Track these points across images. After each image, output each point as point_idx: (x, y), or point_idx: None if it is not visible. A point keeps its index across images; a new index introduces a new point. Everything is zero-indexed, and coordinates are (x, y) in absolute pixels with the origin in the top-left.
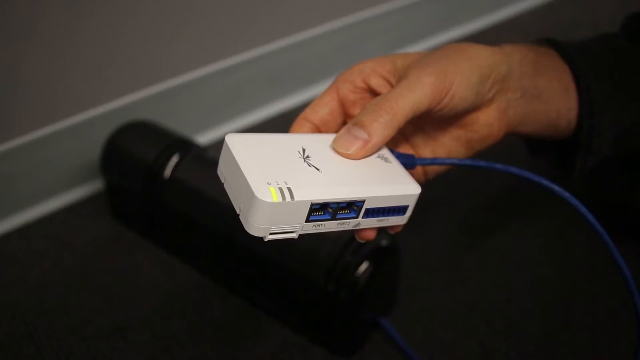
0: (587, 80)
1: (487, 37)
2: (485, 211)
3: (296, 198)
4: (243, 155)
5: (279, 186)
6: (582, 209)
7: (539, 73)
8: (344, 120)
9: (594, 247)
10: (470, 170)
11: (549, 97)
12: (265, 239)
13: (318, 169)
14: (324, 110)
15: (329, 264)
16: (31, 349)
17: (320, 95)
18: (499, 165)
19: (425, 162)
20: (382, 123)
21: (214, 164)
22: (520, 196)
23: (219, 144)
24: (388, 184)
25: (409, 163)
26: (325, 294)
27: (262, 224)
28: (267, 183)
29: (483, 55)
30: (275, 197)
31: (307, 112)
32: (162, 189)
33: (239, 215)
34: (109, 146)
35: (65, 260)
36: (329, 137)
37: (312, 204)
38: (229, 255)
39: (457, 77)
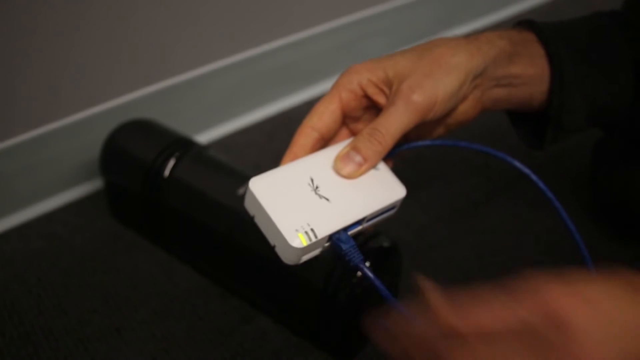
0: (559, 61)
1: None
2: (486, 212)
3: (319, 236)
4: (269, 202)
5: (305, 230)
6: (541, 183)
7: (513, 62)
8: (342, 123)
9: (595, 248)
10: (472, 170)
11: (522, 83)
12: (298, 264)
13: (327, 199)
14: (330, 118)
15: (329, 266)
16: (29, 350)
17: (324, 102)
18: (463, 143)
19: (402, 148)
20: (375, 150)
21: (214, 163)
22: (522, 196)
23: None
24: (381, 196)
25: (391, 152)
26: (324, 296)
27: (296, 259)
28: (296, 230)
29: (463, 64)
30: (305, 242)
31: (314, 120)
32: (161, 188)
33: (273, 247)
34: (108, 145)
35: (63, 260)
36: (331, 157)
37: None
38: (229, 256)
39: (440, 94)
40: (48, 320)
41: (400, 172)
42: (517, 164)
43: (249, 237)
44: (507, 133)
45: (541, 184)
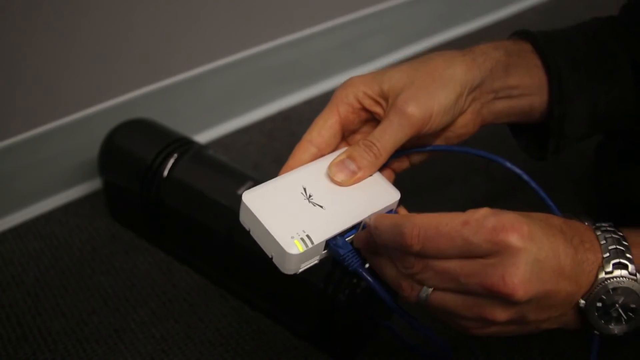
0: (558, 70)
1: (490, 35)
2: None
3: (315, 242)
4: (262, 213)
5: (300, 237)
6: (533, 183)
7: (510, 74)
8: (342, 137)
9: None
10: (472, 171)
11: (521, 94)
12: (297, 273)
13: (322, 206)
14: (329, 133)
15: (329, 267)
16: (27, 351)
17: (323, 117)
18: (455, 147)
19: (397, 156)
20: (370, 161)
21: (213, 163)
22: (523, 197)
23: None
24: (375, 201)
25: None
26: (324, 296)
27: (294, 267)
28: (291, 237)
29: (458, 76)
30: (301, 248)
31: (313, 135)
32: (160, 188)
33: (271, 258)
34: (106, 145)
35: (61, 261)
36: (323, 167)
37: (326, 241)
38: (228, 256)
39: (435, 107)
40: (46, 322)
41: (401, 173)
42: (509, 164)
43: (248, 238)
44: (509, 135)
45: (533, 184)
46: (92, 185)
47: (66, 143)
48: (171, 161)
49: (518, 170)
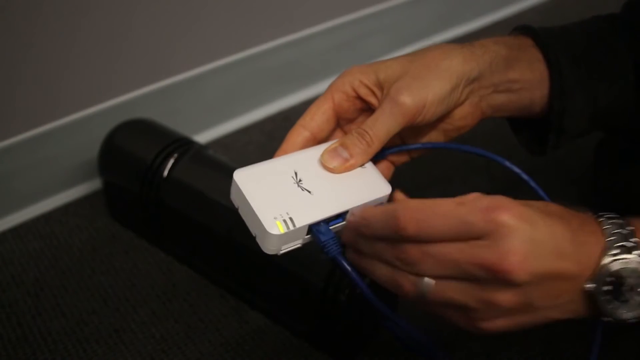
0: (559, 65)
1: (490, 35)
2: None
3: (297, 225)
4: (251, 191)
5: (283, 218)
6: (532, 182)
7: (510, 67)
8: (336, 124)
9: None
10: (473, 170)
11: (521, 88)
12: (279, 254)
13: (310, 191)
14: (322, 118)
15: (329, 267)
16: (27, 351)
17: (317, 103)
18: (452, 145)
19: (393, 151)
20: (362, 149)
21: (213, 163)
22: (524, 197)
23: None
24: (364, 192)
25: (380, 155)
26: (325, 297)
27: (275, 248)
28: (274, 218)
29: (454, 67)
30: (282, 229)
31: (307, 120)
32: (160, 188)
33: (255, 237)
34: (106, 145)
35: (61, 261)
36: (316, 154)
37: (309, 225)
38: (228, 256)
39: (429, 96)
40: (46, 322)
41: (401, 172)
42: (507, 163)
43: (248, 237)
44: (508, 134)
45: (532, 182)
46: (92, 185)
47: (66, 143)
48: (171, 161)
49: (517, 169)
